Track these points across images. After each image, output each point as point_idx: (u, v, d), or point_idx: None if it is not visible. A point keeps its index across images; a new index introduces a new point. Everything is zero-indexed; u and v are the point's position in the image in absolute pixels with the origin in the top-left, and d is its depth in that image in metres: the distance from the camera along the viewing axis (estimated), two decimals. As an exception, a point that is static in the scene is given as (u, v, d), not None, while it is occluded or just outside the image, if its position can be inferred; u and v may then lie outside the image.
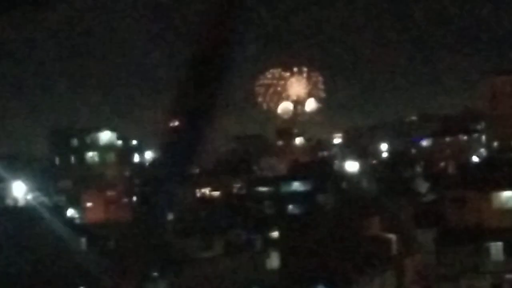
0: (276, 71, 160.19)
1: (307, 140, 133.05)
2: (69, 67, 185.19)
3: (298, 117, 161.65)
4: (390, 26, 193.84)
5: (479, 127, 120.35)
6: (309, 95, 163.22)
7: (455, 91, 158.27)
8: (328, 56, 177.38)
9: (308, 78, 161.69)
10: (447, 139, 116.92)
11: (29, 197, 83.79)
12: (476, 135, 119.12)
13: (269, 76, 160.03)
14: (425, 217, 63.33)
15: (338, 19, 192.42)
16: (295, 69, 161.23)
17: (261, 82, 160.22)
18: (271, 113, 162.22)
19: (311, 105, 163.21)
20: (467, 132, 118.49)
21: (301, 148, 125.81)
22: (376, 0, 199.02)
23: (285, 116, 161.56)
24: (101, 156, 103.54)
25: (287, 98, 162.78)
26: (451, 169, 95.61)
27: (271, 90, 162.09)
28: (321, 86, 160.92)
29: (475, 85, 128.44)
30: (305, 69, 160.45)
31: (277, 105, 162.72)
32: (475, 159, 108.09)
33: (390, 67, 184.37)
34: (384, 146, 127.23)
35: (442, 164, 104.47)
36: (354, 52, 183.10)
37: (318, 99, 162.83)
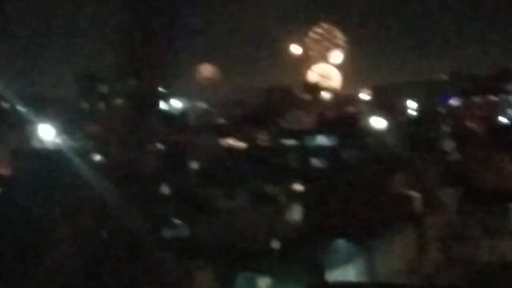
0: (309, 29, 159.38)
1: (335, 94, 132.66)
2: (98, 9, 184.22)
3: (327, 72, 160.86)
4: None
5: (509, 87, 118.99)
6: (338, 51, 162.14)
7: (490, 51, 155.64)
8: (358, 12, 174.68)
9: (337, 35, 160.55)
10: (477, 98, 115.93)
11: (57, 140, 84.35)
12: (505, 95, 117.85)
13: (300, 32, 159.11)
14: (451, 176, 63.14)
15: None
16: (323, 26, 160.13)
17: (291, 37, 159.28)
18: (300, 67, 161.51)
19: (339, 59, 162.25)
20: (497, 92, 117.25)
21: (328, 102, 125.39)
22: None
23: (314, 71, 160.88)
24: (127, 102, 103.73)
25: (317, 53, 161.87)
26: (479, 129, 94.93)
27: (301, 44, 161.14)
28: (347, 43, 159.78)
29: (509, 44, 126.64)
30: (333, 26, 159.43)
31: (306, 59, 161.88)
32: (504, 120, 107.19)
33: (422, 23, 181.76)
34: (412, 104, 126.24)
35: (470, 124, 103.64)
36: (385, 7, 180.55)
37: (347, 54, 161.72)
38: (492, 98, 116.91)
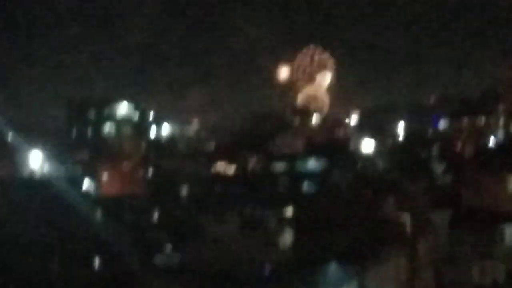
0: (297, 52, 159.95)
1: (324, 118, 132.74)
2: (88, 35, 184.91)
3: (315, 96, 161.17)
4: (409, 3, 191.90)
5: (498, 109, 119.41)
6: (327, 74, 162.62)
7: (476, 72, 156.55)
8: (347, 34, 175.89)
9: (326, 58, 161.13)
10: (465, 120, 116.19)
11: (45, 168, 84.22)
12: (494, 117, 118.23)
13: (288, 56, 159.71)
14: (440, 198, 63.20)
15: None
16: (312, 49, 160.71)
17: (279, 62, 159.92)
18: (289, 91, 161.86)
19: (328, 83, 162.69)
20: (486, 114, 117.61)
21: (317, 126, 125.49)
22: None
23: (303, 95, 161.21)
24: (118, 128, 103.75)
25: (305, 77, 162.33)
26: (468, 151, 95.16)
27: (289, 69, 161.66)
28: (336, 66, 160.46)
29: (496, 66, 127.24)
30: (321, 49, 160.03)
31: (295, 83, 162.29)
32: (492, 141, 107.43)
33: (410, 46, 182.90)
34: (401, 126, 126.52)
35: (459, 145, 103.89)
36: (373, 30, 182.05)
37: (336, 78, 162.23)
38: (481, 120, 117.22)
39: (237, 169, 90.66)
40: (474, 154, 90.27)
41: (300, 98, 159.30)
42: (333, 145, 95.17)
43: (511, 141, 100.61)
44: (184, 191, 70.49)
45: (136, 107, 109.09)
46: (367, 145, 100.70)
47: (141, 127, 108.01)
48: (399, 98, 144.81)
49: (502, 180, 64.16)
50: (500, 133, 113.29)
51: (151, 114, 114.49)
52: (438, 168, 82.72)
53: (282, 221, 57.86)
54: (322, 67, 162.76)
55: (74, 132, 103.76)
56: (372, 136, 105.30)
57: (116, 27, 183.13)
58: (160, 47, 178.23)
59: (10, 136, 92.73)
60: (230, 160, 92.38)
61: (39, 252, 43.84)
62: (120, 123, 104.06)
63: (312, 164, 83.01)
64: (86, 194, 69.41)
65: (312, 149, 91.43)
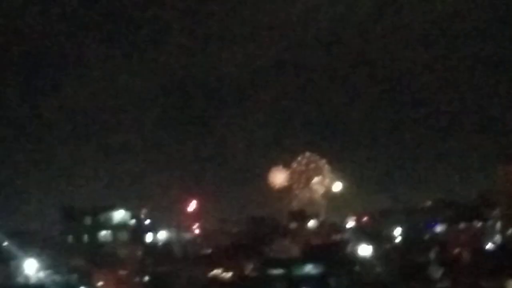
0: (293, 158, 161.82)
1: (320, 222, 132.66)
2: (82, 145, 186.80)
3: (311, 200, 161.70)
4: (402, 112, 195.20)
5: (494, 213, 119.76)
6: (323, 179, 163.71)
7: (470, 178, 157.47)
8: (342, 140, 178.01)
9: (321, 164, 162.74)
10: (462, 225, 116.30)
11: (41, 274, 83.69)
12: (491, 222, 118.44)
13: (284, 162, 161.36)
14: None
15: (346, 105, 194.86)
16: (307, 155, 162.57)
17: (276, 167, 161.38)
18: (285, 196, 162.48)
19: (324, 188, 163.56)
20: (482, 218, 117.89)
21: (314, 230, 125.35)
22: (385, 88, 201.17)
23: (299, 199, 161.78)
24: (114, 235, 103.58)
25: (301, 182, 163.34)
26: (465, 256, 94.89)
27: (286, 174, 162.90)
28: (332, 172, 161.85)
29: (490, 171, 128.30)
30: (317, 156, 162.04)
31: (291, 188, 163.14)
32: (490, 246, 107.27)
33: (403, 153, 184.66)
34: (397, 231, 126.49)
35: (456, 250, 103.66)
36: (368, 136, 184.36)
37: (332, 183, 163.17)
38: (477, 224, 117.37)
39: (234, 273, 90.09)
40: (472, 258, 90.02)
41: (297, 203, 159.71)
42: (330, 249, 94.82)
43: (509, 245, 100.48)
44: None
45: (132, 214, 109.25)
46: (364, 250, 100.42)
47: (137, 233, 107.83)
48: (395, 203, 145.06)
49: (500, 284, 63.94)
50: (497, 238, 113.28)
51: (147, 220, 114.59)
52: (436, 272, 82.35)
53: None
54: (318, 172, 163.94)
55: (70, 239, 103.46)
56: (369, 241, 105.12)
57: (113, 133, 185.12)
58: (156, 155, 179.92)
59: (5, 243, 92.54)
60: (227, 265, 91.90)
61: None
62: (116, 230, 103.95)
63: (309, 268, 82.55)
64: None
65: (309, 254, 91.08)
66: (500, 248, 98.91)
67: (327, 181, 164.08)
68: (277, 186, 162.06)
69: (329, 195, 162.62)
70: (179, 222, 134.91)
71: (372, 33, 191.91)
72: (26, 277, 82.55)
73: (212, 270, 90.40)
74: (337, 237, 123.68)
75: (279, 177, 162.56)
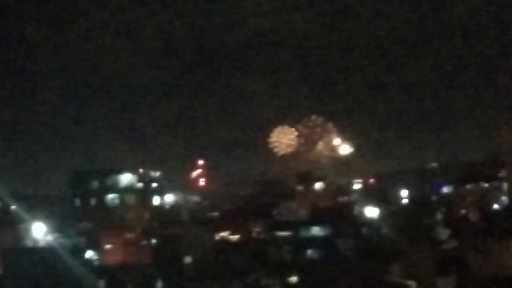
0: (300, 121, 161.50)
1: (327, 185, 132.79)
2: (91, 109, 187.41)
3: (318, 163, 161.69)
4: (411, 75, 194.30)
5: (501, 174, 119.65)
6: (329, 141, 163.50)
7: (477, 139, 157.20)
8: (349, 102, 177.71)
9: (328, 126, 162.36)
10: (468, 186, 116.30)
11: (49, 238, 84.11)
12: (497, 183, 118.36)
13: (287, 124, 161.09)
14: (446, 264, 62.73)
15: (358, 67, 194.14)
16: (314, 118, 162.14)
17: (283, 130, 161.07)
18: (291, 158, 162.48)
19: (331, 150, 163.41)
20: (489, 179, 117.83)
21: (321, 193, 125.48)
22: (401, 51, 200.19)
23: (306, 162, 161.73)
24: (121, 198, 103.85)
25: (307, 143, 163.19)
26: (472, 217, 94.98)
27: (292, 136, 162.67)
28: (339, 135, 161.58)
29: (497, 133, 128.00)
30: (323, 118, 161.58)
31: (298, 151, 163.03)
32: (496, 207, 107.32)
33: (411, 113, 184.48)
34: (404, 193, 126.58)
35: (463, 211, 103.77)
36: (375, 98, 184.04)
37: (338, 145, 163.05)
38: (484, 185, 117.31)
39: (241, 236, 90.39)
40: (479, 219, 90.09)
41: (303, 165, 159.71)
42: (337, 211, 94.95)
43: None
44: (188, 259, 70.16)
45: (139, 177, 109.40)
46: (371, 212, 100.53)
47: (144, 196, 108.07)
48: (402, 165, 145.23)
49: (507, 245, 63.90)
50: (504, 199, 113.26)
51: (154, 183, 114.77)
52: (443, 234, 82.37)
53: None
54: (324, 135, 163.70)
55: (78, 202, 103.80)
56: (376, 203, 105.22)
57: (120, 97, 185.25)
58: (165, 117, 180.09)
59: (13, 206, 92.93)
60: (234, 228, 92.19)
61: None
62: (123, 193, 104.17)
63: (316, 230, 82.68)
64: (90, 264, 69.08)
65: (316, 216, 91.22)
66: (506, 209, 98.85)
67: (333, 143, 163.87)
68: (283, 149, 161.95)
69: (336, 157, 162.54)
70: (186, 185, 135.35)
71: None
72: (34, 240, 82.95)
73: (219, 232, 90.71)
74: (344, 199, 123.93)
75: (285, 140, 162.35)
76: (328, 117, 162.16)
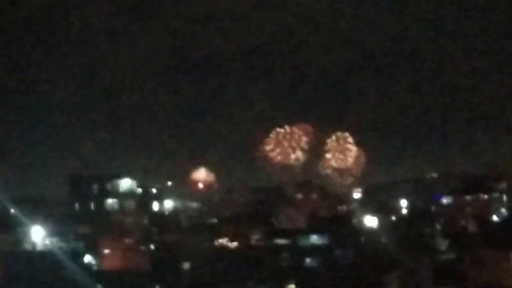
0: (297, 127, 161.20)
1: (327, 193, 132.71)
2: (91, 112, 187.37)
3: (318, 171, 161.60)
4: (411, 84, 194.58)
5: (500, 186, 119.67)
6: (330, 151, 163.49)
7: (477, 150, 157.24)
8: (351, 112, 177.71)
9: (326, 136, 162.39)
10: (468, 197, 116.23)
11: (48, 242, 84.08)
12: (497, 194, 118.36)
13: (288, 130, 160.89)
14: (444, 275, 62.84)
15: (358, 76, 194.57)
16: (314, 128, 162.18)
17: (280, 136, 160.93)
18: (290, 166, 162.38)
19: (331, 159, 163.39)
20: (488, 191, 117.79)
21: (320, 201, 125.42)
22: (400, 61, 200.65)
23: (304, 169, 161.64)
24: (120, 203, 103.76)
25: (308, 152, 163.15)
26: (471, 228, 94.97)
27: (290, 144, 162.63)
28: (339, 144, 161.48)
29: (497, 144, 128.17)
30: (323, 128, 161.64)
31: (296, 158, 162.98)
32: (495, 218, 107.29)
33: (411, 124, 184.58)
34: (404, 202, 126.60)
35: (462, 222, 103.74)
36: (377, 107, 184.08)
37: (339, 154, 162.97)
38: (484, 196, 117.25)
39: (239, 243, 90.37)
40: (478, 230, 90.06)
41: (303, 174, 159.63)
42: (336, 220, 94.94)
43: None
44: (186, 265, 70.18)
45: (139, 183, 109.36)
46: (370, 221, 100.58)
47: (144, 202, 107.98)
48: (402, 175, 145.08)
49: (506, 257, 63.90)
50: (503, 210, 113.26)
51: (154, 189, 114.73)
52: (441, 244, 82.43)
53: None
54: (323, 144, 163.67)
55: (77, 206, 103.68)
56: (375, 212, 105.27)
57: (120, 103, 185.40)
58: (164, 124, 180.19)
59: (12, 210, 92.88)
60: (233, 235, 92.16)
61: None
62: (123, 198, 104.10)
63: (315, 239, 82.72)
64: (88, 268, 69.08)
65: (315, 224, 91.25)
66: (506, 220, 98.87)
67: (333, 152, 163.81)
68: (283, 157, 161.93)
69: (335, 166, 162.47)
70: (185, 191, 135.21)
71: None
72: (33, 244, 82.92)
73: (218, 239, 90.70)
74: (343, 208, 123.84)
75: (286, 147, 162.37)
76: (328, 126, 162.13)
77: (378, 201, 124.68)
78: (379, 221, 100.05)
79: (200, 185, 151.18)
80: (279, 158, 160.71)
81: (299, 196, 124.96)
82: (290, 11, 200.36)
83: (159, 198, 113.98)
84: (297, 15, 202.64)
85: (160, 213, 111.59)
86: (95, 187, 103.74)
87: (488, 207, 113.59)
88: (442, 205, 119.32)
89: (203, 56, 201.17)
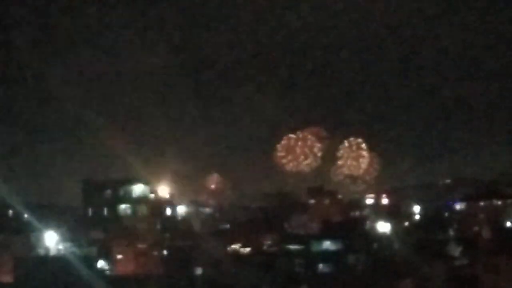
0: (308, 132, 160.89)
1: (339, 199, 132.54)
2: (106, 118, 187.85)
3: (330, 176, 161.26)
4: (423, 89, 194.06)
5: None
6: (343, 157, 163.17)
7: (490, 156, 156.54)
8: (363, 117, 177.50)
9: (339, 141, 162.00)
10: (481, 203, 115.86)
11: (61, 247, 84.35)
12: (510, 200, 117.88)
13: (301, 136, 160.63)
14: (457, 281, 62.60)
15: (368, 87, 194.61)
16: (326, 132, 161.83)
17: (293, 141, 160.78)
18: (303, 172, 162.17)
19: (343, 165, 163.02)
20: (502, 197, 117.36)
21: (333, 207, 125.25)
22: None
23: (317, 175, 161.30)
24: (133, 209, 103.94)
25: (320, 158, 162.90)
26: (484, 234, 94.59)
27: (303, 149, 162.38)
28: (351, 149, 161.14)
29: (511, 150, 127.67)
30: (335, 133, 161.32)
31: (308, 164, 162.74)
32: (509, 224, 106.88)
33: (425, 130, 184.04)
34: (417, 208, 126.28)
35: (476, 228, 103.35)
36: (389, 112, 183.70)
37: (351, 160, 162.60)
38: (497, 202, 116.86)
39: (252, 249, 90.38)
40: (491, 236, 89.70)
41: (316, 179, 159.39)
42: (349, 226, 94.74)
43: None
44: (199, 270, 70.24)
45: (152, 188, 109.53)
46: (383, 227, 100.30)
47: (156, 207, 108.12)
48: (415, 181, 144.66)
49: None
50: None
51: (167, 195, 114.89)
52: (455, 250, 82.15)
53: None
54: (336, 149, 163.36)
55: (90, 212, 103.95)
56: (388, 218, 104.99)
57: (134, 109, 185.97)
58: (177, 130, 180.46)
59: (26, 215, 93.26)
60: (245, 240, 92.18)
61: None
62: (136, 203, 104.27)
63: (328, 244, 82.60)
64: (101, 274, 69.28)
65: (327, 230, 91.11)
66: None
67: (345, 157, 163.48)
68: (295, 163, 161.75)
69: (348, 173, 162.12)
70: (198, 197, 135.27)
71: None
72: (46, 249, 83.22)
73: (230, 245, 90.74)
74: (355, 213, 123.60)
75: (297, 154, 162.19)
76: (340, 131, 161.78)
77: (391, 206, 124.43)
78: (392, 226, 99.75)
79: (213, 191, 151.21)
80: (291, 164, 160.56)
81: (312, 201, 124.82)
82: (303, 12, 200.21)
83: (172, 203, 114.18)
84: (307, 18, 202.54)
85: (173, 219, 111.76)
86: (108, 192, 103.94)
87: (501, 213, 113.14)
88: (455, 211, 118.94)
89: (218, 62, 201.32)
